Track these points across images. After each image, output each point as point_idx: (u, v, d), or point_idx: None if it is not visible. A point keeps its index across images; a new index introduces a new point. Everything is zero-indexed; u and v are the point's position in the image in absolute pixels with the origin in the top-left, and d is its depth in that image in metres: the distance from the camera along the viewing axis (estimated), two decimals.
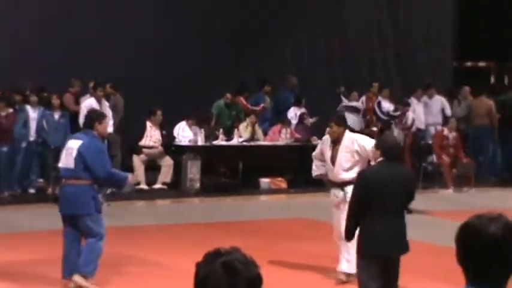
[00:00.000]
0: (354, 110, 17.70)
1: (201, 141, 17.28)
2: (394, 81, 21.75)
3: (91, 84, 16.72)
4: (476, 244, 2.97)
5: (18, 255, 10.87)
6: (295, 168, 17.88)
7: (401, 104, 19.25)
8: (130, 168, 15.80)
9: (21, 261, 10.57)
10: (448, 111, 20.11)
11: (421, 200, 15.56)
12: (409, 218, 14.27)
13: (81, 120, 15.75)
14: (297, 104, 19.11)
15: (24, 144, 15.58)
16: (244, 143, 17.75)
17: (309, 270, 10.39)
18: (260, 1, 20.82)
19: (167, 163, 16.71)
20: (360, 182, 7.31)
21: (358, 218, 7.21)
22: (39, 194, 15.65)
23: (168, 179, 16.77)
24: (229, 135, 17.88)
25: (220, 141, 17.57)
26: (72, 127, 15.85)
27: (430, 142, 19.48)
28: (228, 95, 18.50)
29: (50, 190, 15.49)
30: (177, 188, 16.62)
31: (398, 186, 7.28)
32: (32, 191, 15.89)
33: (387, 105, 19.14)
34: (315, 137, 18.51)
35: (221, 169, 17.65)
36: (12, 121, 15.32)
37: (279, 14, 21.00)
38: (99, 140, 9.30)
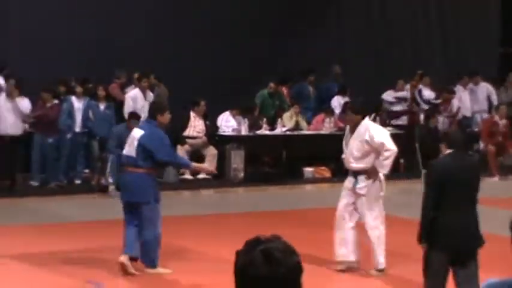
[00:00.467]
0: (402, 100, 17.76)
1: (244, 131, 17.29)
2: (440, 69, 21.56)
3: (136, 76, 16.84)
4: None
5: (65, 245, 10.99)
6: (339, 157, 17.78)
7: (447, 91, 19.12)
8: None
9: (68, 251, 10.68)
10: (494, 98, 19.91)
11: None
12: None
13: (126, 110, 15.87)
14: (342, 93, 19.05)
15: (69, 135, 15.71)
16: (288, 132, 17.73)
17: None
18: None
19: (211, 153, 16.76)
20: (431, 176, 7.20)
21: (432, 214, 7.06)
22: (85, 185, 15.79)
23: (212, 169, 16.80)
24: (272, 125, 17.87)
25: (264, 131, 17.56)
26: (117, 117, 15.97)
27: (476, 130, 19.31)
28: (272, 85, 18.50)
29: (95, 181, 15.61)
30: (221, 177, 16.65)
31: (468, 177, 7.20)
32: (78, 181, 16.02)
33: (428, 93, 19.03)
34: None
35: (265, 159, 17.64)
36: (57, 112, 15.46)
37: (325, 3, 20.95)
38: (160, 129, 9.61)
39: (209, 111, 17.23)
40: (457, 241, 7.10)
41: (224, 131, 17.36)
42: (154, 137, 9.42)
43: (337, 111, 18.67)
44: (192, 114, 16.95)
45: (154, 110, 9.82)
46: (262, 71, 18.82)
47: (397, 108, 19.34)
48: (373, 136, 9.39)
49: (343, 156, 9.93)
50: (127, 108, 15.92)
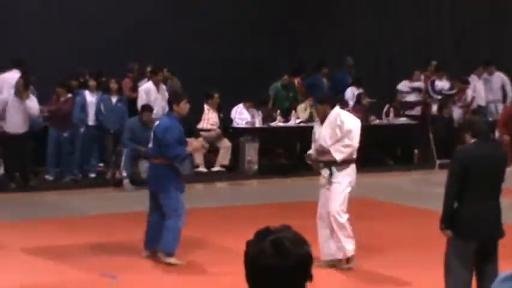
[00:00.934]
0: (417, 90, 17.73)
1: (258, 123, 17.27)
2: (453, 60, 21.46)
3: (148, 69, 16.85)
4: None
5: (79, 238, 11.02)
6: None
7: (461, 81, 19.05)
8: None
9: (83, 244, 10.71)
10: (509, 89, 19.82)
11: None
12: None
13: (140, 103, 15.88)
14: (356, 84, 19.01)
15: (82, 129, 15.73)
16: (302, 124, 17.70)
17: (368, 249, 10.33)
18: None
19: (225, 145, 16.75)
20: (454, 165, 7.14)
21: (454, 202, 7.04)
22: (99, 179, 15.82)
23: (226, 162, 16.81)
24: (286, 117, 17.84)
25: (278, 123, 17.53)
26: (130, 111, 15.98)
27: (490, 119, 19.23)
28: (285, 77, 18.48)
29: (109, 174, 15.64)
30: (235, 170, 16.65)
31: (493, 167, 7.16)
32: (92, 175, 16.05)
33: (441, 84, 18.95)
34: (373, 117, 18.42)
35: (279, 151, 17.62)
36: (71, 106, 15.48)
37: None
38: (176, 121, 9.76)
39: (222, 103, 17.22)
40: (484, 230, 7.07)
41: (238, 124, 17.34)
42: (161, 130, 9.67)
43: (351, 102, 18.63)
44: (205, 106, 16.94)
45: (171, 101, 10.05)
46: (275, 64, 18.80)
47: (411, 98, 19.27)
48: (343, 122, 9.38)
49: (310, 151, 9.82)
50: (140, 101, 15.93)
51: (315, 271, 2.85)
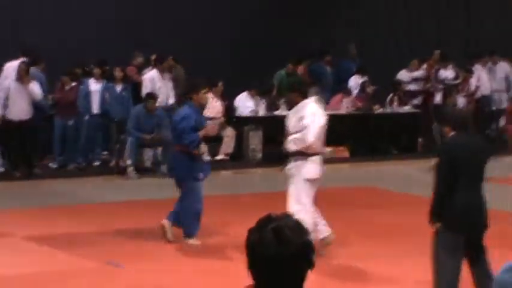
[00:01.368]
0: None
1: (262, 112, 17.27)
2: (459, 48, 21.38)
3: (153, 57, 16.84)
4: None
5: (84, 226, 11.06)
6: (357, 137, 17.81)
7: (465, 70, 19.02)
8: None
9: (88, 232, 10.75)
10: None
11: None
12: None
13: (144, 91, 15.88)
14: (360, 72, 18.99)
15: (87, 117, 15.75)
16: None
17: (373, 238, 10.35)
18: None
19: (229, 134, 16.76)
20: (442, 157, 7.14)
21: (446, 195, 7.04)
22: (103, 167, 15.84)
23: (230, 150, 16.82)
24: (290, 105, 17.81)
25: (282, 112, 17.52)
26: (135, 99, 15.98)
27: (494, 108, 19.23)
28: (290, 65, 18.46)
29: (113, 162, 15.66)
30: (239, 158, 16.66)
31: (477, 158, 7.17)
32: (96, 163, 16.07)
33: (446, 73, 18.89)
34: (377, 106, 18.41)
35: (283, 139, 17.58)
36: (75, 94, 15.51)
37: None
38: (193, 109, 10.09)
39: (226, 92, 17.22)
40: (475, 221, 7.10)
41: (242, 112, 17.35)
42: (182, 119, 10.01)
43: (355, 91, 18.62)
44: (210, 95, 16.91)
45: (189, 90, 10.35)
46: (279, 52, 18.77)
47: (413, 87, 19.21)
48: (305, 116, 9.18)
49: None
50: (145, 90, 15.93)
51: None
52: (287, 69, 18.50)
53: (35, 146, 14.96)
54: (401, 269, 9.23)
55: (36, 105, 14.76)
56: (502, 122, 18.93)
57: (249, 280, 2.87)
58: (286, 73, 18.53)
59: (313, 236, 9.07)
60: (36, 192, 13.65)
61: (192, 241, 10.07)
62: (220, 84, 16.88)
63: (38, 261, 9.55)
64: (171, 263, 9.48)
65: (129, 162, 14.94)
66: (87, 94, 15.72)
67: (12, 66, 14.92)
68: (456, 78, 18.87)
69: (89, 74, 16.14)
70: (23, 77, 14.46)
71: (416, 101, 18.95)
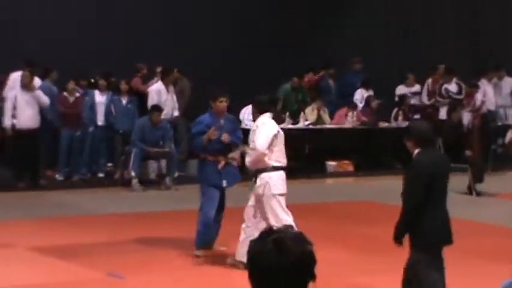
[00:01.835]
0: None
1: None
2: (465, 63, 21.38)
3: (159, 69, 16.87)
4: None
5: (87, 237, 11.04)
6: (362, 151, 17.81)
7: (470, 85, 18.99)
8: None
9: (90, 243, 10.73)
10: None
11: (491, 182, 15.41)
12: (478, 200, 14.15)
13: (150, 103, 15.89)
14: (365, 86, 19.00)
15: (91, 129, 15.77)
16: (311, 126, 17.71)
17: (376, 253, 10.32)
18: None
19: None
20: (415, 173, 7.03)
21: (416, 213, 6.92)
22: (108, 178, 15.85)
23: (235, 163, 16.78)
24: (295, 119, 17.85)
25: (287, 125, 17.54)
26: (140, 112, 16.00)
27: (500, 123, 19.20)
28: (295, 79, 18.52)
29: (118, 174, 15.66)
30: (244, 171, 16.61)
31: (444, 173, 7.13)
32: (101, 175, 16.09)
33: (449, 87, 18.87)
34: (381, 121, 18.41)
35: (287, 152, 17.58)
36: (81, 106, 15.55)
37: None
38: (211, 116, 10.27)
39: (231, 104, 17.18)
40: (449, 234, 7.08)
41: (247, 125, 17.34)
42: (194, 124, 10.39)
43: (360, 104, 18.62)
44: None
45: (210, 98, 10.48)
46: (284, 66, 18.82)
47: (412, 102, 19.23)
48: (255, 131, 9.28)
49: None
50: (151, 102, 15.95)
51: None
52: (292, 83, 18.53)
53: (39, 156, 14.98)
54: None
55: (44, 117, 14.83)
56: (508, 137, 18.89)
57: None
58: (291, 87, 18.56)
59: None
60: (40, 203, 13.65)
61: (197, 252, 10.02)
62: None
63: (41, 272, 9.53)
64: (174, 274, 9.45)
65: (133, 174, 14.94)
66: (92, 106, 15.75)
67: (16, 76, 14.97)
68: (459, 92, 18.82)
69: (94, 86, 16.17)
70: (27, 84, 14.50)
71: (419, 115, 18.89)
